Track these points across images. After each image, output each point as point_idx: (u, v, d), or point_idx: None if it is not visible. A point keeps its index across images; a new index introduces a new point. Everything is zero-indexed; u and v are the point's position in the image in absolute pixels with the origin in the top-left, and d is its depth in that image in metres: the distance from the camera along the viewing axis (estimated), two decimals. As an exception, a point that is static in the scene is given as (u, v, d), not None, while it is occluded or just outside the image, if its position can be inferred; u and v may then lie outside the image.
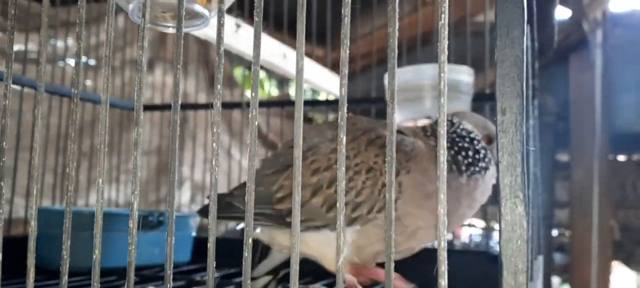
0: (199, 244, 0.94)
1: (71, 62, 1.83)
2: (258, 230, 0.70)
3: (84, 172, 1.40)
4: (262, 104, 1.44)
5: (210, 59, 2.51)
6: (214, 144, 0.37)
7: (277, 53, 1.23)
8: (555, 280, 2.84)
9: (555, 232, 2.89)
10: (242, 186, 0.69)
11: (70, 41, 1.74)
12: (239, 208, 0.67)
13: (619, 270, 2.73)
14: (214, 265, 0.36)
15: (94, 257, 0.37)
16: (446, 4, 0.34)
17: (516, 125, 0.31)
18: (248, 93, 3.09)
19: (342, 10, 0.36)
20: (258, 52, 0.37)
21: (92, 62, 1.88)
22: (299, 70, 0.36)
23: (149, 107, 1.30)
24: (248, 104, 1.28)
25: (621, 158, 2.74)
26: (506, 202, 0.31)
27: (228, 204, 0.69)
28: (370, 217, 0.62)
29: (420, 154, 0.65)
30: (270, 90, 3.27)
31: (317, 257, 0.67)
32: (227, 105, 1.33)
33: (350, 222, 0.61)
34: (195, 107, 1.33)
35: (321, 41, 1.45)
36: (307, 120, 2.60)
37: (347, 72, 0.36)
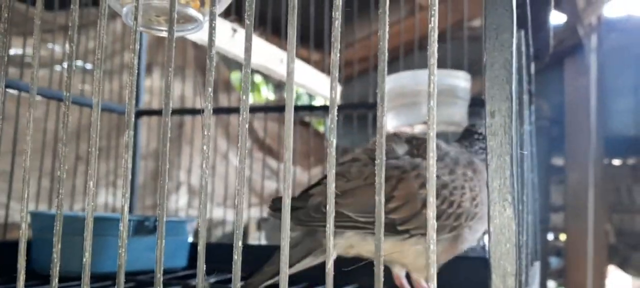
0: (196, 249, 0.94)
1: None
2: (346, 234, 0.71)
3: (81, 176, 1.40)
4: (260, 108, 1.44)
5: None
6: (205, 147, 0.37)
7: (274, 58, 1.24)
8: (551, 284, 2.84)
9: (551, 236, 2.89)
10: (346, 193, 0.70)
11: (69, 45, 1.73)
12: (349, 217, 0.68)
13: (614, 274, 2.73)
14: (205, 269, 0.36)
15: (84, 260, 0.37)
16: (436, 8, 0.34)
17: (505, 128, 0.31)
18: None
19: (333, 13, 0.36)
20: (249, 55, 0.37)
21: (89, 66, 1.88)
22: (290, 72, 0.36)
23: (146, 112, 1.30)
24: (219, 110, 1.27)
25: (616, 162, 2.74)
26: (495, 205, 0.31)
27: (336, 213, 0.69)
28: (466, 224, 0.71)
29: (481, 169, 0.73)
30: (268, 94, 3.27)
31: (412, 266, 0.73)
32: (225, 110, 1.33)
33: (451, 229, 0.70)
34: (193, 112, 1.33)
35: (318, 45, 1.46)
36: (304, 124, 2.60)
37: (337, 74, 0.36)
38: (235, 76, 3.00)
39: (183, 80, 2.19)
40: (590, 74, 2.45)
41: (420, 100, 0.86)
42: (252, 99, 3.21)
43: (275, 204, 0.72)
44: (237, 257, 0.36)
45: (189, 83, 2.26)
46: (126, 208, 0.38)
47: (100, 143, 1.53)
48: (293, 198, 0.72)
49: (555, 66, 2.48)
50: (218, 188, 2.02)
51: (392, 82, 0.88)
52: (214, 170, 1.93)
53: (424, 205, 0.68)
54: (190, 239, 0.93)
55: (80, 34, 1.66)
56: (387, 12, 0.36)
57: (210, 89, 0.38)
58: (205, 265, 0.90)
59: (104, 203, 1.49)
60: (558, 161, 2.78)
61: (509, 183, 0.31)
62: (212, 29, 0.38)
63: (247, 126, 0.37)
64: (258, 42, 1.16)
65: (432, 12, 0.34)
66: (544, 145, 2.64)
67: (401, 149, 0.75)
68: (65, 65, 1.62)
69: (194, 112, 1.32)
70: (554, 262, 2.90)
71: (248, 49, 0.37)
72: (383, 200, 0.33)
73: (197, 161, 2.22)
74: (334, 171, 0.35)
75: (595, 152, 2.46)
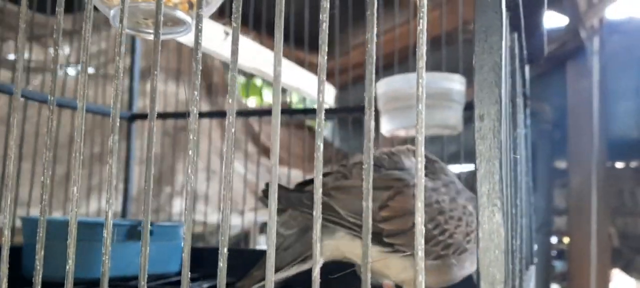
0: (192, 254, 0.93)
1: (71, 71, 1.83)
2: (335, 235, 0.70)
3: (83, 180, 1.39)
4: (259, 112, 1.44)
5: (207, 67, 2.51)
6: (191, 152, 0.36)
7: (268, 61, 1.22)
8: (555, 287, 2.83)
9: (555, 240, 2.88)
10: (341, 189, 0.69)
11: (68, 49, 1.73)
12: (338, 214, 0.67)
13: (618, 278, 2.71)
14: (197, 275, 0.35)
15: (67, 267, 0.36)
16: (425, 9, 0.34)
17: (494, 132, 0.31)
18: (246, 101, 3.09)
19: (320, 16, 0.35)
20: (235, 58, 0.37)
21: (91, 70, 1.87)
22: (276, 76, 0.35)
23: (140, 116, 1.30)
24: (241, 113, 1.26)
25: (619, 165, 2.73)
26: (484, 210, 0.30)
27: (325, 205, 0.68)
28: (453, 257, 0.70)
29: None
30: (270, 98, 3.27)
31: (395, 279, 0.72)
32: (223, 114, 1.32)
33: (437, 257, 0.68)
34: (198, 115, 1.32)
35: (314, 48, 1.45)
36: (301, 126, 2.60)
37: (325, 78, 0.35)
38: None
39: (182, 83, 2.18)
40: (593, 76, 2.44)
41: (413, 103, 0.85)
42: (254, 103, 3.21)
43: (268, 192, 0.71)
44: (222, 263, 0.35)
45: (188, 86, 2.25)
46: (110, 215, 0.37)
47: (99, 147, 1.53)
48: (289, 190, 0.72)
49: (557, 69, 2.47)
50: (217, 192, 2.02)
51: (385, 86, 0.87)
52: (212, 174, 1.92)
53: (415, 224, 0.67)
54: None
55: (77, 39, 1.66)
56: (376, 14, 0.35)
57: (196, 93, 0.37)
58: (199, 271, 0.89)
59: (103, 208, 1.48)
60: (561, 164, 2.77)
61: (498, 188, 0.30)
62: (198, 31, 0.37)
63: (233, 130, 0.36)
64: (252, 45, 1.16)
65: (421, 14, 0.34)
66: (547, 148, 2.62)
67: (409, 162, 0.74)
68: (67, 69, 1.62)
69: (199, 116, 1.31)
70: (558, 265, 2.89)
71: (235, 52, 0.37)
72: (370, 205, 0.33)
73: (198, 165, 2.22)
74: (321, 177, 0.34)
75: (598, 155, 2.45)
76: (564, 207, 2.69)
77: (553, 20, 2.41)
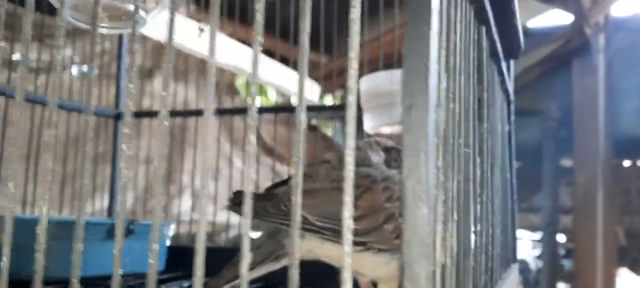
0: (175, 254, 0.93)
1: (74, 71, 1.84)
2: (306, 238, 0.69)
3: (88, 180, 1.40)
4: (260, 110, 1.43)
5: (207, 65, 2.52)
6: (124, 146, 0.36)
7: (247, 58, 1.20)
8: (562, 286, 2.80)
9: (564, 238, 2.86)
10: (308, 193, 0.67)
11: (70, 51, 1.74)
12: (305, 219, 0.66)
13: (624, 276, 2.68)
14: (173, 274, 0.35)
15: (2, 264, 0.36)
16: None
17: (422, 124, 0.30)
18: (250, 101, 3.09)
19: (255, 10, 0.35)
20: (171, 50, 0.36)
21: (95, 71, 1.88)
22: (210, 66, 0.35)
23: (147, 113, 1.30)
24: (239, 110, 1.24)
25: (625, 163, 2.70)
26: (408, 204, 0.29)
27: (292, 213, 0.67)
28: None
29: None
30: (275, 98, 3.26)
31: (371, 277, 0.71)
32: (228, 112, 1.32)
33: None
34: (197, 113, 1.30)
35: (327, 50, 1.44)
36: (311, 127, 2.59)
37: (257, 73, 0.34)
38: (239, 81, 3.00)
39: (186, 83, 2.19)
40: (598, 73, 2.41)
41: (396, 100, 0.84)
42: (259, 103, 3.21)
43: (236, 199, 0.70)
44: (152, 260, 0.34)
45: (192, 86, 2.26)
46: (45, 211, 0.37)
47: (102, 147, 1.53)
48: (257, 195, 0.71)
49: (562, 66, 2.45)
50: (222, 192, 2.02)
51: (368, 83, 0.86)
52: (218, 174, 1.92)
53: (387, 220, 0.66)
54: (168, 243, 0.92)
55: (80, 39, 1.66)
56: (309, 5, 0.35)
57: (131, 86, 0.36)
58: (191, 270, 0.87)
59: (100, 208, 1.49)
60: (566, 162, 2.74)
61: (424, 182, 0.29)
62: (135, 23, 0.37)
63: (166, 123, 0.35)
64: (229, 41, 1.14)
65: (353, 4, 0.33)
66: (552, 146, 2.60)
67: (377, 157, 0.72)
68: (71, 71, 1.63)
69: (198, 113, 1.30)
70: (567, 263, 2.86)
71: (170, 40, 0.36)
72: (299, 201, 0.32)
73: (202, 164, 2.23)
74: (255, 168, 0.33)
75: (604, 153, 2.42)
76: (569, 206, 2.66)
77: (558, 17, 2.39)
